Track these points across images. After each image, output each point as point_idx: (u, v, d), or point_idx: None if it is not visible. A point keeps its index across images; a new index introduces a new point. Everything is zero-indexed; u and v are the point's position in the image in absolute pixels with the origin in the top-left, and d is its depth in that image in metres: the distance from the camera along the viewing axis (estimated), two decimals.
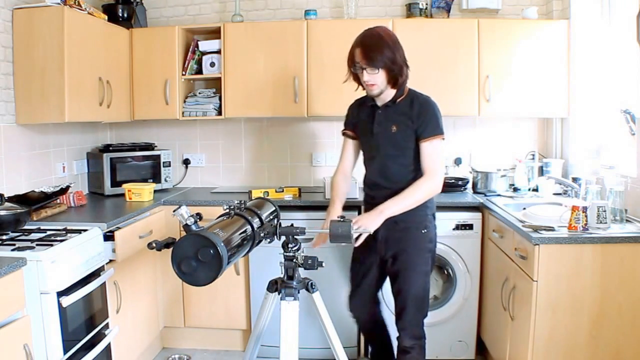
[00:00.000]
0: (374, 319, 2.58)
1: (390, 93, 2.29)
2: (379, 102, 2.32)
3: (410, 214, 2.26)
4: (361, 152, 2.50)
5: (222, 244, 1.65)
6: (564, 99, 3.24)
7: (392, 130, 2.28)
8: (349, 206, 2.61)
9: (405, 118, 2.27)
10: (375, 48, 2.16)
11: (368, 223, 2.13)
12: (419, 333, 2.36)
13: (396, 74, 2.21)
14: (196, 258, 1.65)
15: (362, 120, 2.41)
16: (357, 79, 2.30)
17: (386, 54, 2.16)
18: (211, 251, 1.63)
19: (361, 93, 2.44)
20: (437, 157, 2.26)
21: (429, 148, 2.25)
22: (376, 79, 2.20)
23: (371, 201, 2.38)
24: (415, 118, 2.26)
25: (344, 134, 2.53)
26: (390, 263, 2.35)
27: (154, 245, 1.77)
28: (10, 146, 2.76)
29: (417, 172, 2.30)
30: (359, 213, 2.60)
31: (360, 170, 2.56)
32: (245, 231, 1.89)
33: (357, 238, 2.13)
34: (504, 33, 3.20)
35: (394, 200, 2.21)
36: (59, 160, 3.21)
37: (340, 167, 2.54)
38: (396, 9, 3.56)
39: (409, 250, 2.31)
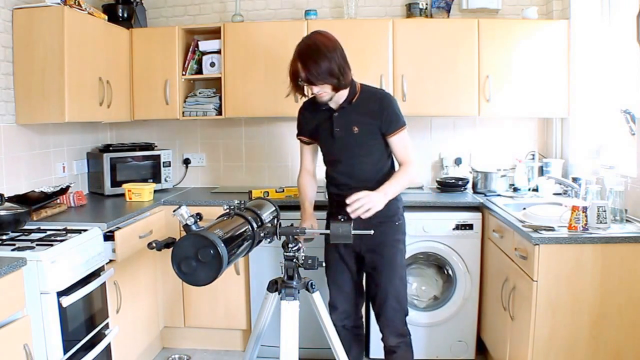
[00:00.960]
0: (359, 327, 2.53)
1: (342, 95, 2.25)
2: (333, 105, 2.28)
3: (384, 207, 2.20)
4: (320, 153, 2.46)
5: (222, 244, 1.65)
6: (564, 99, 3.24)
7: (354, 132, 2.26)
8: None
9: (365, 117, 2.25)
10: (314, 63, 2.10)
11: (376, 200, 2.09)
12: (403, 330, 2.36)
13: (340, 82, 2.16)
14: (196, 258, 1.65)
15: (319, 125, 2.35)
16: (300, 90, 2.26)
17: (323, 67, 2.10)
18: (211, 251, 1.63)
19: None
20: (408, 147, 2.31)
21: (398, 140, 2.28)
22: (323, 88, 2.17)
23: (341, 200, 2.25)
24: (377, 114, 2.25)
25: (299, 139, 2.48)
26: (369, 258, 2.34)
27: (154, 245, 1.77)
28: (10, 146, 2.76)
29: (386, 166, 2.33)
30: (328, 214, 2.44)
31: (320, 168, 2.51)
32: (245, 231, 1.89)
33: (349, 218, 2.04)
34: (504, 33, 3.20)
35: (390, 184, 2.20)
36: (59, 160, 3.21)
37: (303, 167, 2.50)
38: (396, 9, 3.56)
39: (386, 242, 2.31)
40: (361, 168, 2.30)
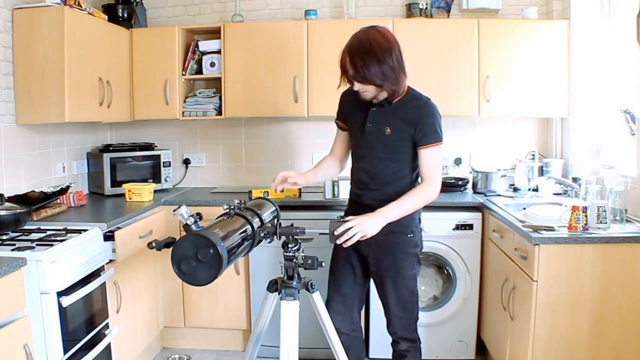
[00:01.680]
0: (356, 330, 2.41)
1: (386, 93, 2.12)
2: (374, 99, 2.15)
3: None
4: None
5: (222, 244, 1.65)
6: (564, 99, 3.24)
7: (386, 132, 2.15)
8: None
9: (401, 121, 2.13)
10: (362, 64, 2.00)
11: (369, 227, 1.98)
12: (413, 336, 2.29)
13: (388, 86, 2.05)
14: (196, 258, 1.64)
15: (354, 115, 2.26)
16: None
17: (372, 70, 2.00)
18: (211, 251, 1.63)
19: None
20: (436, 164, 2.17)
21: (428, 155, 2.14)
22: (366, 88, 2.08)
23: (357, 199, 2.28)
24: (414, 122, 2.12)
25: (336, 123, 2.39)
26: (375, 266, 2.25)
27: (153, 244, 1.77)
28: (10, 146, 2.76)
29: (408, 176, 2.21)
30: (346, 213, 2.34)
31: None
32: (245, 231, 1.89)
33: (340, 235, 1.97)
34: (504, 33, 3.20)
35: (395, 205, 2.08)
36: (59, 160, 3.21)
37: (331, 151, 2.42)
38: (396, 9, 3.56)
39: (394, 254, 2.20)
40: (383, 171, 2.19)
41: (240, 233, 1.86)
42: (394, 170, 2.19)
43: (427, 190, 2.15)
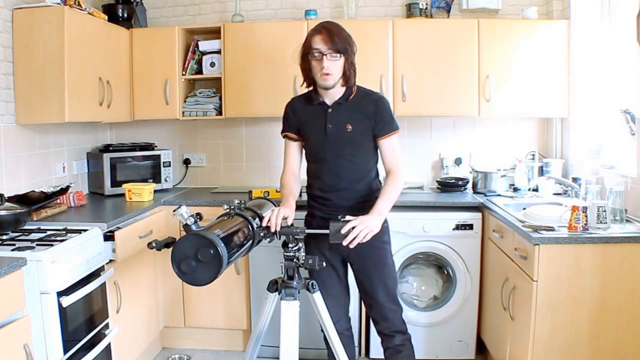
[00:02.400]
0: (349, 329, 2.48)
1: (339, 90, 2.22)
2: (328, 100, 2.24)
3: (369, 210, 2.18)
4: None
5: (222, 244, 1.65)
6: (564, 99, 3.24)
7: (348, 129, 2.22)
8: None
9: (360, 116, 2.22)
10: (338, 33, 2.13)
11: (373, 225, 2.02)
12: (405, 329, 2.36)
13: (350, 67, 2.17)
14: (196, 258, 1.65)
15: (310, 120, 2.29)
16: (307, 72, 2.21)
17: (347, 40, 2.15)
18: (211, 251, 1.63)
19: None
20: (398, 152, 2.28)
21: (389, 144, 2.25)
22: (335, 67, 2.13)
23: (325, 202, 2.29)
24: (372, 115, 2.22)
25: (285, 136, 2.38)
26: (358, 264, 2.29)
27: (153, 244, 1.77)
28: (10, 146, 2.76)
29: (373, 170, 2.30)
30: (308, 216, 2.40)
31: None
32: (245, 231, 1.89)
33: (346, 235, 1.99)
34: (504, 33, 3.20)
35: (383, 201, 2.13)
36: (59, 160, 3.21)
37: (287, 168, 2.38)
38: (396, 9, 3.56)
39: (374, 245, 2.21)
40: (350, 168, 2.25)
41: (241, 233, 1.86)
42: (360, 167, 2.27)
43: (399, 179, 2.24)
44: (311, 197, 2.38)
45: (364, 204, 2.20)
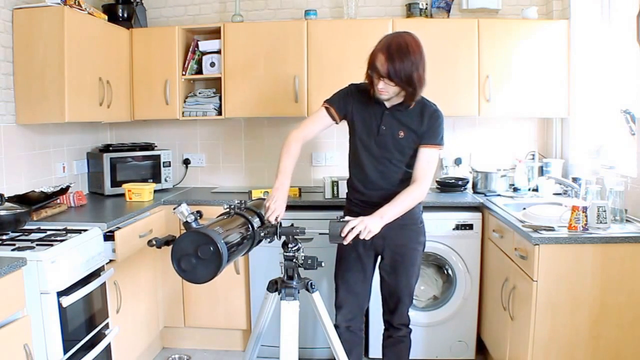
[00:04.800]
0: (362, 330, 2.51)
1: (399, 97, 2.21)
2: (387, 102, 2.25)
3: (408, 211, 2.25)
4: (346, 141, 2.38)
5: (222, 241, 1.65)
6: (564, 99, 3.24)
7: (400, 136, 2.24)
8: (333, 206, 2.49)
9: (413, 126, 2.23)
10: (401, 58, 2.05)
11: (373, 226, 2.02)
12: (409, 322, 2.44)
13: (411, 92, 2.13)
14: (196, 255, 1.64)
15: (364, 115, 2.28)
16: (370, 77, 2.19)
17: (407, 69, 2.05)
18: (211, 248, 1.63)
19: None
20: (431, 165, 2.26)
21: (426, 155, 2.24)
22: (389, 89, 2.12)
23: (364, 198, 2.31)
24: (422, 125, 2.23)
25: (327, 108, 2.31)
26: (389, 259, 2.34)
27: (154, 242, 1.77)
28: (10, 146, 2.76)
29: (407, 176, 2.29)
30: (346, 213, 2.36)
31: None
32: (245, 230, 1.89)
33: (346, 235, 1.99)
34: (504, 33, 3.20)
35: (391, 207, 2.12)
36: (59, 160, 3.21)
37: (300, 132, 2.31)
38: (396, 9, 3.56)
39: (409, 245, 2.33)
40: (395, 171, 2.28)
41: (240, 232, 1.86)
42: (403, 171, 2.29)
43: (418, 191, 2.22)
44: (351, 188, 2.40)
45: None
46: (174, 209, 1.74)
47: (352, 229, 1.98)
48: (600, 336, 2.19)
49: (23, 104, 2.79)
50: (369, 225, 2.00)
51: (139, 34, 3.43)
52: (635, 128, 2.48)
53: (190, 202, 3.14)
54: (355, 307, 2.43)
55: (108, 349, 2.43)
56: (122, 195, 3.24)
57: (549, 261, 2.17)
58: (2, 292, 1.76)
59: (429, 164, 2.25)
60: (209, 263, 1.64)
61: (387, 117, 2.25)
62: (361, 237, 1.99)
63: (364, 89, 2.28)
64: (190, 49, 3.47)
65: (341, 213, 2.29)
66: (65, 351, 2.10)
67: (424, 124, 2.23)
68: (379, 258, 2.40)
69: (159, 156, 3.53)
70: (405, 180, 2.27)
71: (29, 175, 2.91)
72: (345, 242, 2.00)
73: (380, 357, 2.55)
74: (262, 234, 1.96)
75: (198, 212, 1.78)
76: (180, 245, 1.67)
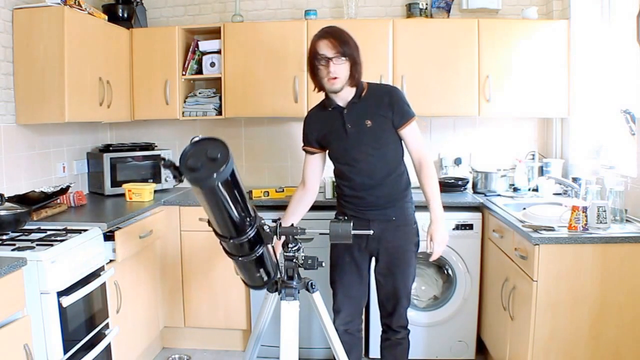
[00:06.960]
0: (360, 331, 2.51)
1: (350, 91, 2.24)
2: (341, 102, 2.26)
3: (402, 210, 2.29)
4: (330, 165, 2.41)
5: (231, 154, 1.64)
6: (564, 99, 3.24)
7: (368, 125, 2.23)
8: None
9: (377, 110, 2.24)
10: (342, 38, 2.15)
11: (444, 235, 2.22)
12: (407, 323, 2.44)
13: (357, 68, 2.19)
14: (205, 156, 1.65)
15: (329, 127, 2.31)
16: (315, 78, 2.23)
17: (351, 44, 2.17)
18: (221, 147, 1.66)
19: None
20: (420, 138, 2.32)
21: (409, 132, 2.28)
22: (341, 71, 2.16)
23: (358, 202, 2.31)
24: (388, 107, 2.24)
25: (305, 150, 2.41)
26: (385, 261, 2.33)
27: (164, 159, 1.73)
28: (10, 146, 2.76)
29: (400, 166, 2.32)
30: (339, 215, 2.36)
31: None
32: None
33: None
34: (504, 33, 3.20)
35: (432, 202, 2.23)
36: (59, 160, 3.21)
37: (303, 183, 2.42)
38: (396, 9, 3.56)
39: (405, 246, 2.32)
40: (378, 163, 2.26)
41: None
42: (387, 160, 2.29)
43: (432, 169, 2.29)
44: (341, 197, 2.40)
45: (395, 202, 2.28)
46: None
47: (438, 244, 2.20)
48: (600, 336, 2.19)
49: (23, 104, 2.79)
50: (443, 237, 2.21)
51: (139, 34, 3.43)
52: (635, 128, 2.48)
53: (190, 202, 3.14)
54: (354, 310, 2.43)
55: (108, 349, 2.43)
56: (122, 195, 3.24)
57: (549, 261, 2.17)
58: (2, 292, 1.76)
59: (416, 138, 2.30)
60: (215, 164, 1.63)
61: (348, 115, 2.26)
62: (444, 247, 2.22)
63: (317, 107, 2.38)
64: (190, 49, 3.47)
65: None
66: (65, 351, 2.10)
67: (390, 106, 2.24)
68: (374, 261, 2.38)
69: (159, 156, 3.53)
70: (391, 173, 2.28)
71: (29, 175, 2.91)
72: (431, 260, 2.23)
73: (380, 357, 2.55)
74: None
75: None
76: (191, 148, 1.70)
